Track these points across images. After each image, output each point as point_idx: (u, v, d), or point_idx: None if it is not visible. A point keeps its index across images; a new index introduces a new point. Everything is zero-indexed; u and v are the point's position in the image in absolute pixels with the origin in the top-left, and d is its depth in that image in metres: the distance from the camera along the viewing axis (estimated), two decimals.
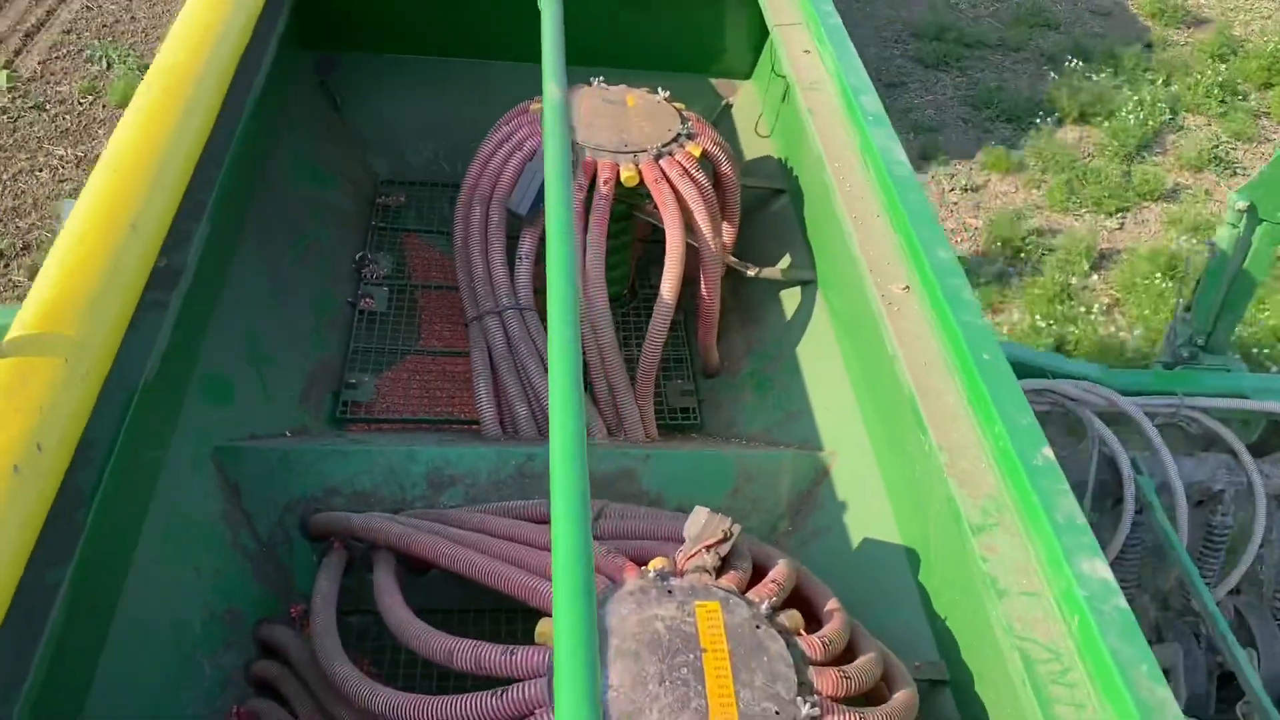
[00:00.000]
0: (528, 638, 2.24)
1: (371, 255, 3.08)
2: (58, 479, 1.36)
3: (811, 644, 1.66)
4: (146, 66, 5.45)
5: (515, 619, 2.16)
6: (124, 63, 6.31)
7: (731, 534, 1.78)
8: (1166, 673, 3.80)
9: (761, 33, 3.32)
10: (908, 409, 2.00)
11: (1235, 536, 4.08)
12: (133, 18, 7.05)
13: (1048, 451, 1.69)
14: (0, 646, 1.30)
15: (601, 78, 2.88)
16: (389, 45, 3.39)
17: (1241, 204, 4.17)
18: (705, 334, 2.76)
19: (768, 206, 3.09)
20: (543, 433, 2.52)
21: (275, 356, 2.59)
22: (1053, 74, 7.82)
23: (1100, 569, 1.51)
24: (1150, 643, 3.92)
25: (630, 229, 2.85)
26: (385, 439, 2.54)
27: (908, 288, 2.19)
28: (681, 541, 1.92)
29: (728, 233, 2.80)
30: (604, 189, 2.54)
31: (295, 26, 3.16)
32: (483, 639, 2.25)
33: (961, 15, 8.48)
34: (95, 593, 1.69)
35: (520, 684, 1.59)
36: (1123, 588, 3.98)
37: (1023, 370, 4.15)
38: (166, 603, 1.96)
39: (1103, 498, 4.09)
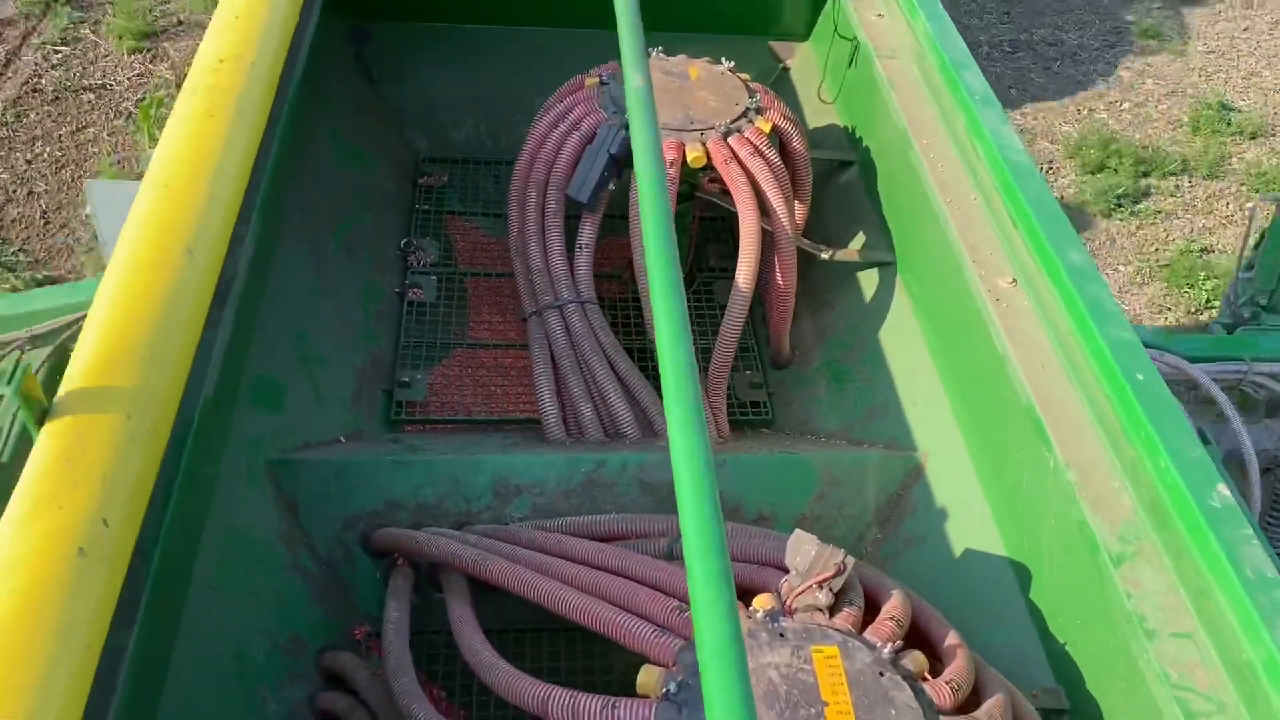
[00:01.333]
0: (604, 659, 2.13)
1: (417, 241, 2.91)
2: (128, 554, 1.22)
3: (939, 690, 1.52)
4: None
5: (593, 640, 2.03)
6: None
7: (845, 567, 1.64)
8: None
9: None
10: (1022, 416, 1.84)
11: None
12: None
13: (1224, 490, 1.53)
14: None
15: (660, 48, 2.68)
16: (423, 13, 3.18)
17: None
18: (779, 323, 2.59)
19: (835, 179, 2.90)
20: (609, 435, 2.37)
21: (325, 355, 2.44)
22: None
23: None
24: None
25: (689, 210, 2.67)
26: (445, 443, 2.40)
27: (1014, 281, 2.02)
28: (781, 567, 1.78)
29: (799, 212, 2.62)
30: (670, 171, 2.36)
31: None
32: (557, 662, 2.15)
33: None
34: (157, 636, 1.56)
35: None
36: None
37: None
38: (227, 634, 1.84)
39: None
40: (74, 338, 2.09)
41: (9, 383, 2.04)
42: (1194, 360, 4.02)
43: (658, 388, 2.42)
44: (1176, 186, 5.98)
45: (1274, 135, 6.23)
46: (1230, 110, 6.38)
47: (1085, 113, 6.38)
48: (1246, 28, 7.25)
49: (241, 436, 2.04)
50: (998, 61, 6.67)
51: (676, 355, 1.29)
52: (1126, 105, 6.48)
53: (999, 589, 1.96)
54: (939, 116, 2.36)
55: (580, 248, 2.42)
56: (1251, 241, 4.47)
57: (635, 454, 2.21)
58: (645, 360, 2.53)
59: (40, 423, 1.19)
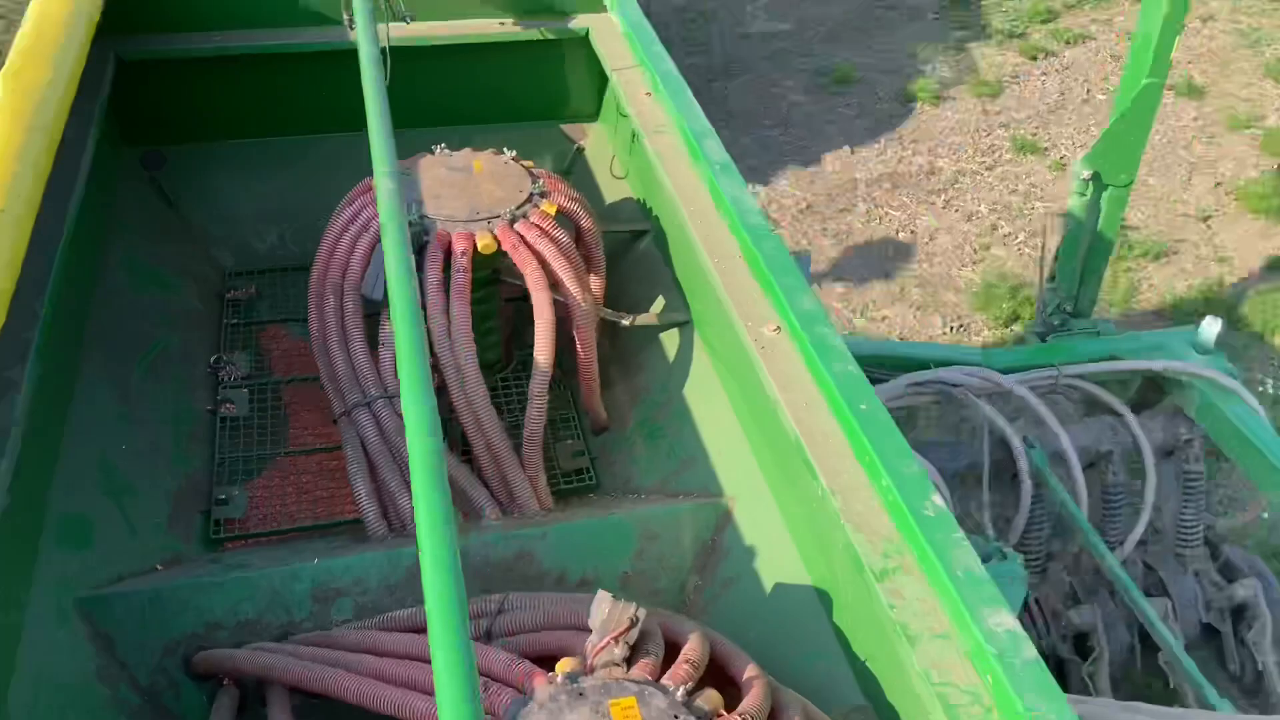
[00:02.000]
0: None
1: (227, 356, 2.92)
2: None
3: None
4: None
5: None
6: None
7: (638, 619, 1.71)
8: (1086, 635, 3.91)
9: (600, 74, 3.28)
10: (795, 452, 1.97)
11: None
12: None
13: (937, 499, 1.67)
14: None
15: (444, 145, 2.79)
16: (216, 132, 3.23)
17: (1086, 172, 4.32)
18: (588, 391, 2.69)
19: (634, 249, 3.04)
20: None
21: (135, 484, 2.42)
22: None
23: (1006, 620, 1.49)
24: (1067, 607, 4.00)
25: (496, 294, 2.77)
26: (265, 556, 2.39)
27: (779, 328, 2.16)
28: (588, 629, 1.85)
29: (596, 285, 2.74)
30: (462, 260, 2.45)
31: (114, 124, 2.98)
32: None
33: None
34: None
35: None
36: (1033, 560, 4.07)
37: (905, 364, 4.23)
38: None
39: (1001, 476, 4.18)
40: None
41: None
42: (1008, 371, 4.30)
43: (478, 470, 2.49)
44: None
45: (1178, 254, 6.36)
46: (1130, 229, 6.42)
47: (981, 253, 6.30)
48: None
49: (48, 578, 2.01)
50: (881, 204, 6.65)
51: (424, 445, 1.36)
52: (1021, 237, 6.39)
53: (807, 616, 2.06)
54: (697, 183, 2.52)
55: (382, 344, 2.47)
56: (1050, 255, 4.82)
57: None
58: (466, 446, 2.58)
59: None
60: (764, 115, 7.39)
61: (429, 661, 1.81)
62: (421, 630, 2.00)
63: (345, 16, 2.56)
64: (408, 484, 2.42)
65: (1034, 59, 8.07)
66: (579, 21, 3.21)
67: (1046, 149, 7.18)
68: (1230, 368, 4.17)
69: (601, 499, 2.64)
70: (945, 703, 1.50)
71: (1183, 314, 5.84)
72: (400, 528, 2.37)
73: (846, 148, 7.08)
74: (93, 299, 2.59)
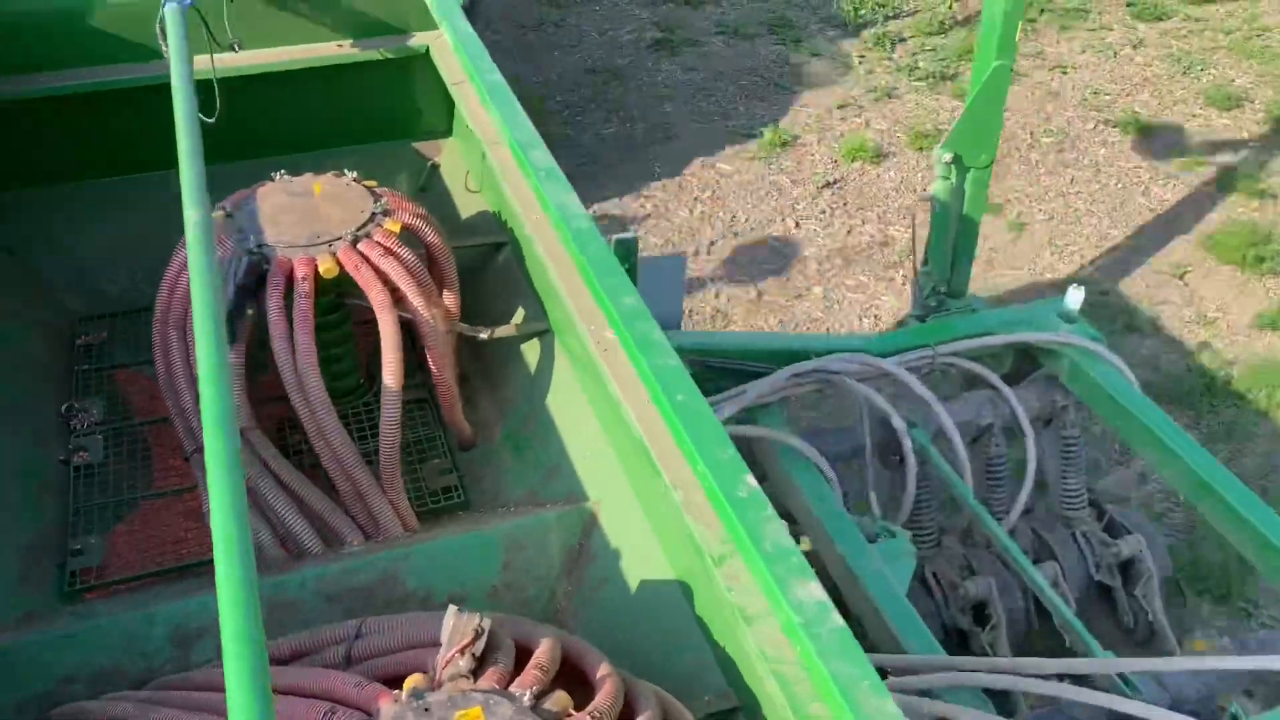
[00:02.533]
0: None
1: (79, 403, 2.83)
2: None
3: None
4: None
5: None
6: None
7: (483, 630, 1.71)
8: (983, 604, 4.01)
9: (443, 91, 3.28)
10: (642, 451, 1.99)
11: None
12: None
13: (750, 480, 1.70)
14: None
15: (284, 170, 2.75)
16: (55, 175, 3.14)
17: (947, 156, 4.45)
18: (448, 409, 2.67)
19: (492, 262, 3.03)
20: (294, 553, 2.37)
21: None
22: None
23: (813, 590, 1.52)
24: (962, 578, 4.08)
25: (347, 319, 2.73)
26: (121, 603, 2.32)
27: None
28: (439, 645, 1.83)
29: (450, 300, 2.73)
30: (304, 286, 2.42)
31: None
32: None
33: None
34: None
35: None
36: (925, 535, 4.15)
37: (788, 356, 4.29)
38: None
39: (887, 456, 4.26)
40: None
41: None
42: (885, 355, 4.39)
43: (337, 499, 2.45)
44: None
45: (1159, 319, 5.92)
46: (1102, 294, 6.05)
47: None
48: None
49: None
50: (836, 285, 6.17)
51: (223, 454, 1.34)
52: None
53: (670, 610, 2.08)
54: (531, 193, 2.54)
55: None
56: (920, 238, 4.95)
57: (314, 569, 2.22)
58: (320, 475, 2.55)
59: None
60: (697, 188, 6.87)
61: (288, 692, 1.79)
62: (284, 662, 1.96)
63: (163, 48, 2.51)
64: (266, 515, 2.38)
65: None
66: (418, 39, 3.21)
67: (1000, 204, 6.66)
68: (1095, 333, 4.33)
69: (470, 515, 2.63)
70: (780, 680, 1.52)
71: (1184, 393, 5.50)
72: (261, 561, 2.33)
73: (790, 221, 6.59)
74: None
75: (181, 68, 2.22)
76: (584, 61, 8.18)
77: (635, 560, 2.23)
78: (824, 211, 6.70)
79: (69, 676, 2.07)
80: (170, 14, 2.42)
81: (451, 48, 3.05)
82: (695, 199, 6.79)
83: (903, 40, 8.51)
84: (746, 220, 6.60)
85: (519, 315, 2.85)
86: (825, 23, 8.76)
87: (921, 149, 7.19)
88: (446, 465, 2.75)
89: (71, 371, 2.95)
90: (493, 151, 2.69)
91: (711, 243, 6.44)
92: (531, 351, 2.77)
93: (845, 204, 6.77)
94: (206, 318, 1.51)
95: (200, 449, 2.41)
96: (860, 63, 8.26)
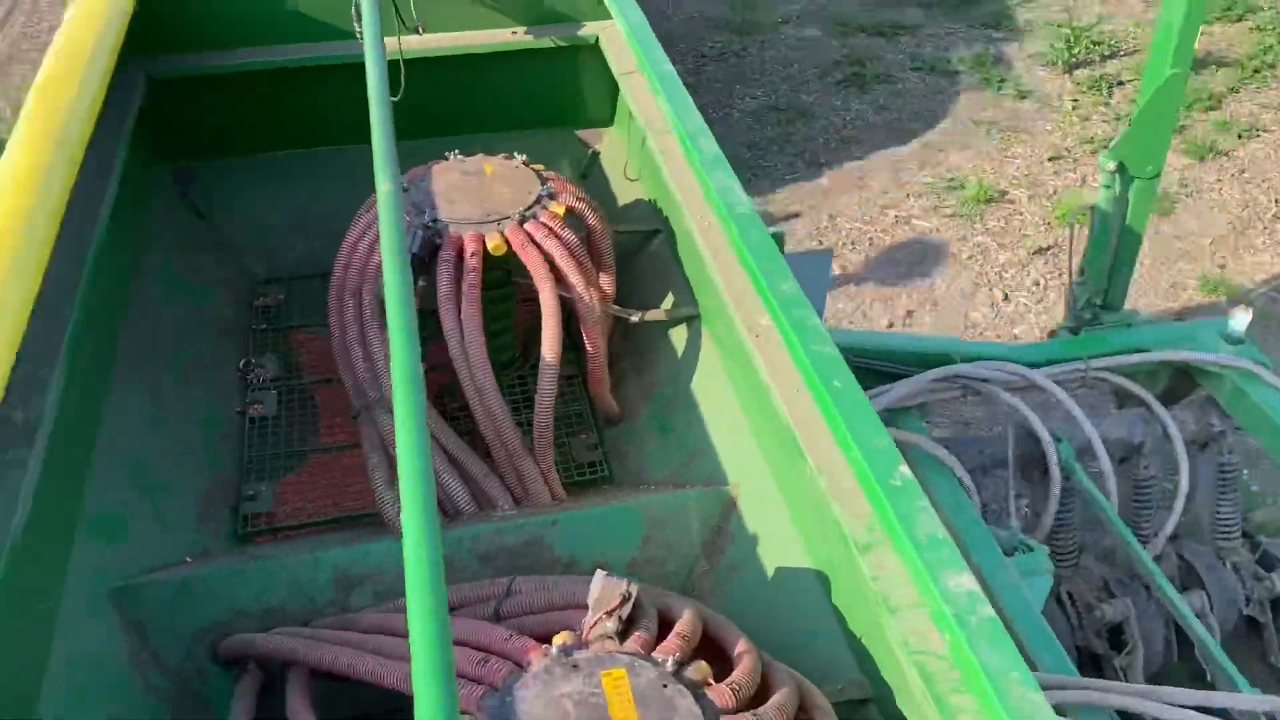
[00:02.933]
0: None
1: (256, 359, 3.04)
2: None
3: (721, 693, 1.65)
4: None
5: None
6: None
7: (630, 595, 1.77)
8: (1119, 628, 3.88)
9: (610, 81, 3.36)
10: (788, 437, 2.02)
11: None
12: None
13: (904, 470, 1.71)
14: None
15: (457, 150, 2.88)
16: (245, 147, 3.37)
17: (1111, 165, 4.31)
18: (596, 386, 2.76)
19: (646, 248, 3.11)
20: (448, 513, 2.50)
21: (168, 482, 2.53)
22: None
23: (965, 581, 1.53)
24: (1100, 600, 3.96)
25: (511, 294, 2.85)
26: (290, 548, 2.49)
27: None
28: (585, 608, 1.91)
29: (606, 282, 2.81)
30: (472, 261, 2.54)
31: (146, 141, 3.12)
32: None
33: None
34: None
35: None
36: (1064, 553, 4.04)
37: (931, 359, 4.24)
38: None
39: (1030, 470, 4.16)
40: None
41: None
42: (1036, 366, 4.29)
43: (491, 464, 2.57)
44: None
45: None
46: None
47: None
48: None
49: (82, 569, 2.12)
50: None
51: (412, 419, 1.43)
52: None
53: (807, 596, 2.11)
54: (694, 181, 2.59)
55: None
56: (1079, 251, 4.80)
57: (469, 528, 2.33)
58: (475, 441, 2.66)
59: None
60: (890, 248, 6.06)
61: (459, 642, 1.89)
62: (454, 608, 2.06)
63: (356, 29, 2.66)
64: None
65: (1202, 159, 6.68)
66: (588, 29, 3.30)
67: (1244, 287, 5.82)
68: (1262, 357, 4.12)
69: (614, 490, 2.71)
70: (922, 670, 1.53)
71: None
72: None
73: (998, 292, 5.79)
74: (127, 308, 2.71)
75: (375, 47, 2.36)
76: (768, 97, 7.49)
77: (773, 545, 2.27)
78: (1037, 284, 5.88)
79: (241, 610, 2.24)
80: None
81: (623, 37, 3.13)
82: (888, 259, 6.09)
83: (1120, 84, 7.55)
84: (947, 289, 5.85)
85: (668, 300, 2.91)
86: (1034, 59, 7.83)
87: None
88: (593, 440, 2.84)
89: (250, 330, 3.17)
90: (656, 140, 2.76)
91: (909, 312, 5.76)
92: (679, 336, 2.83)
93: (1060, 275, 5.90)
94: (396, 283, 1.62)
95: (367, 407, 2.57)
96: (1074, 108, 7.36)
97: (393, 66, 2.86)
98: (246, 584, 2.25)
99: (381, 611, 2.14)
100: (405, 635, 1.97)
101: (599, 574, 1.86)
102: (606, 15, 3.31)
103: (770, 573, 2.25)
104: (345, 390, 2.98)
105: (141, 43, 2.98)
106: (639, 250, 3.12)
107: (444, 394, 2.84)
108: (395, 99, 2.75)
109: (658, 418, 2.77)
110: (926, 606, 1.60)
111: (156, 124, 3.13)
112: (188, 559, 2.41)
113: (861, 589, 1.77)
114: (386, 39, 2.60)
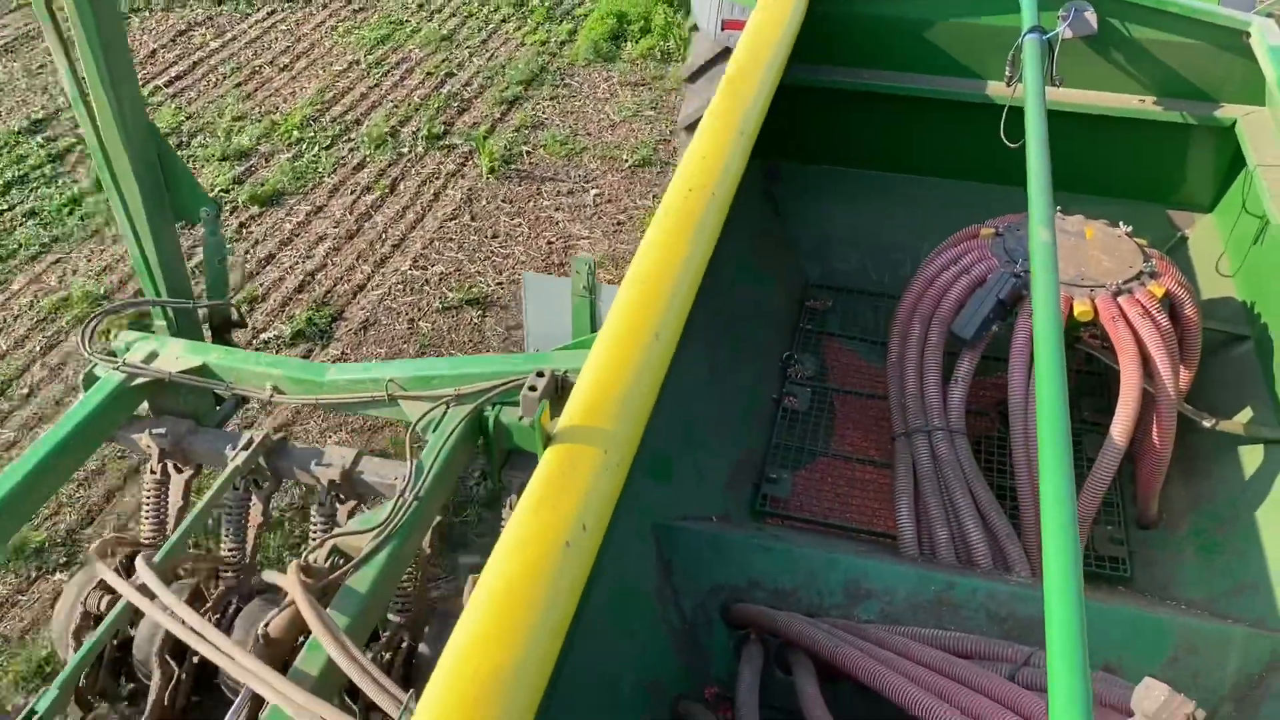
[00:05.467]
0: None
1: (797, 355, 3.22)
2: (593, 556, 1.56)
3: None
4: None
5: None
6: None
7: (1195, 719, 1.66)
8: None
9: (1232, 168, 3.12)
10: None
11: None
12: None
13: None
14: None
15: (1060, 207, 2.83)
16: (831, 158, 3.56)
17: None
18: (1149, 483, 2.60)
19: (1226, 352, 2.86)
20: (961, 559, 2.49)
21: (709, 443, 2.77)
22: None
23: None
24: None
25: (1069, 359, 2.76)
26: (804, 538, 2.62)
27: None
28: (1122, 711, 1.82)
29: (1184, 378, 2.63)
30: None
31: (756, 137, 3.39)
32: None
33: None
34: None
35: None
36: None
37: None
38: (604, 662, 2.13)
39: None
40: (492, 400, 2.54)
41: (435, 430, 2.51)
42: None
43: (1015, 525, 2.52)
44: None
45: None
46: None
47: None
48: None
49: (636, 501, 2.38)
50: None
51: (1059, 488, 1.44)
52: None
53: None
54: None
55: (957, 380, 2.59)
56: None
57: (986, 582, 2.31)
58: (1003, 496, 2.63)
59: (545, 446, 1.58)
60: None
61: (965, 684, 1.90)
62: (965, 656, 2.05)
63: (1007, 73, 2.70)
64: (947, 515, 2.52)
65: None
66: (1227, 111, 3.08)
67: None
68: None
69: (1133, 594, 2.54)
70: None
71: None
72: (930, 553, 2.48)
73: None
74: (706, 283, 2.99)
75: (1036, 96, 2.38)
76: None
77: None
78: None
79: (756, 581, 2.39)
80: (1030, 45, 2.60)
81: (1269, 125, 2.89)
82: None
83: None
84: None
85: (1245, 414, 2.67)
86: None
87: None
88: (1119, 535, 2.69)
89: (796, 327, 3.36)
90: None
91: None
92: (1250, 456, 2.58)
93: None
94: (1049, 331, 1.62)
95: (907, 434, 2.62)
96: None
97: (1015, 111, 2.88)
98: (767, 560, 2.40)
99: (896, 632, 2.18)
100: (929, 667, 2.01)
101: (1153, 682, 1.75)
102: (1256, 100, 3.07)
103: None
104: (868, 407, 3.08)
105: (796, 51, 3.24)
106: (1215, 352, 2.88)
107: (980, 440, 2.83)
108: (1014, 145, 2.77)
109: (1203, 535, 2.55)
110: None
111: (767, 122, 3.40)
112: (713, 517, 2.63)
113: None
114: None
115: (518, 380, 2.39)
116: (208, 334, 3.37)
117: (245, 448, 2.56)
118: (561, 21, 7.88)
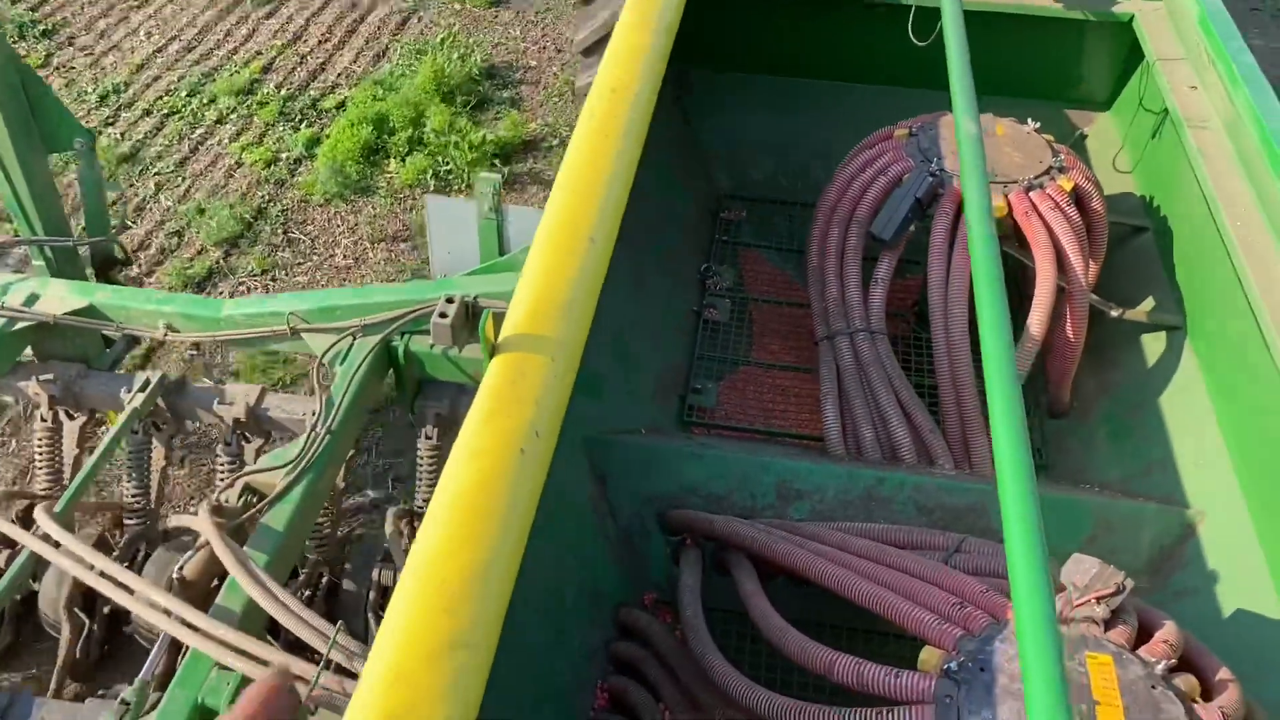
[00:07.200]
0: (876, 658, 2.29)
1: (715, 267, 3.21)
2: (548, 461, 1.54)
3: (1210, 713, 1.60)
4: None
5: (857, 637, 2.19)
6: None
7: (1125, 587, 1.74)
8: None
9: (1128, 63, 3.19)
10: None
11: None
12: None
13: None
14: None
15: None
16: (738, 64, 3.51)
17: None
18: (1061, 374, 2.69)
19: (1126, 244, 2.96)
20: (886, 456, 2.55)
21: (637, 356, 2.75)
22: None
23: None
24: None
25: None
26: (732, 445, 2.65)
27: None
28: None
29: (1093, 270, 2.72)
30: None
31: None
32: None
33: None
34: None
35: (905, 708, 1.64)
36: None
37: None
38: (546, 573, 2.13)
39: None
40: (401, 329, 2.47)
41: (343, 362, 2.43)
42: None
43: (936, 420, 2.59)
44: None
45: None
46: None
47: None
48: None
49: (572, 415, 2.36)
50: None
51: (1004, 378, 1.47)
52: None
53: (1273, 646, 1.98)
54: (1252, 189, 2.39)
55: (876, 281, 2.62)
56: None
57: (913, 476, 2.37)
58: (921, 394, 2.68)
59: (490, 356, 1.54)
60: None
61: (902, 570, 1.95)
62: (898, 546, 2.09)
63: None
64: (872, 414, 2.57)
65: None
66: (1125, 6, 3.13)
67: None
68: None
69: (1052, 481, 2.65)
70: None
71: None
72: (857, 451, 2.53)
73: None
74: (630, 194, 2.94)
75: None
76: None
77: (1235, 581, 2.14)
78: None
79: (690, 488, 2.41)
80: None
81: (1175, 20, 2.93)
82: None
83: None
84: None
85: (1148, 303, 2.77)
86: None
87: None
88: (1033, 424, 2.78)
89: (712, 238, 3.35)
90: (1195, 135, 2.60)
91: None
92: (1154, 343, 2.69)
93: None
94: (980, 223, 1.64)
95: (830, 337, 2.65)
96: None
97: (924, 13, 2.88)
98: (699, 467, 2.42)
99: (830, 527, 2.22)
100: (864, 557, 2.05)
101: (1083, 557, 1.83)
102: None
103: (1225, 610, 2.13)
104: (784, 314, 3.10)
105: None
106: (1118, 245, 2.97)
107: (894, 341, 2.88)
108: (922, 43, 2.78)
109: (1114, 420, 2.66)
110: None
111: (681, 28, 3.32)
112: (642, 430, 2.63)
113: None
114: None
115: (426, 308, 2.33)
116: (91, 276, 3.18)
117: (142, 389, 2.45)
118: (301, 124, 5.38)
